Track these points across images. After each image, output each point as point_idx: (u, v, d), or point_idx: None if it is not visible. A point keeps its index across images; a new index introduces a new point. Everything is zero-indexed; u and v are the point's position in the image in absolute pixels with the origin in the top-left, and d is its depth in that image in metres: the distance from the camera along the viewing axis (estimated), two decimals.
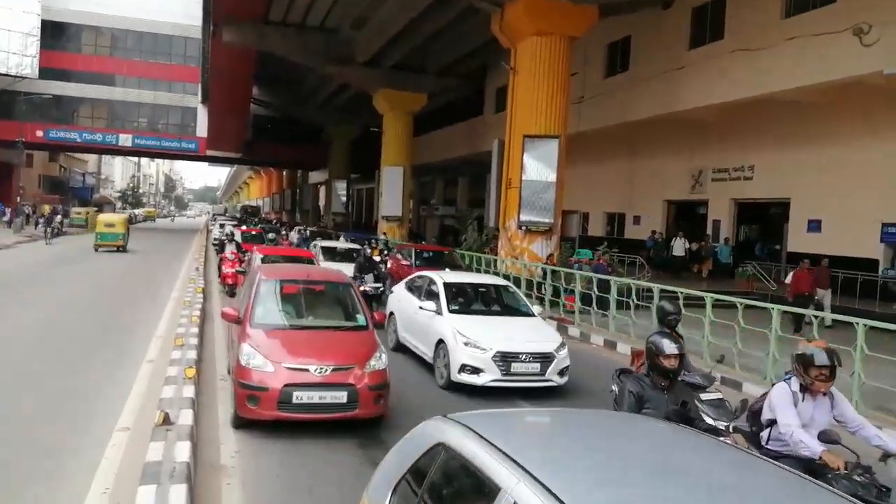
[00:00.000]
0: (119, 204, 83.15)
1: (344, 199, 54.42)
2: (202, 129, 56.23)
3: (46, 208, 43.13)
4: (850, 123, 19.19)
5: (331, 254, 18.67)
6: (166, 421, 5.96)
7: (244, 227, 30.76)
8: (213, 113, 51.01)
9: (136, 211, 78.49)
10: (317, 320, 8.04)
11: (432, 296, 10.30)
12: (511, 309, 10.55)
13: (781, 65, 17.83)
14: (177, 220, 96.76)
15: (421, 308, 10.18)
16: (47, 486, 5.29)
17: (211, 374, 8.92)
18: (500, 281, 12.06)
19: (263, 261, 12.72)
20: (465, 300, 10.50)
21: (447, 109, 39.83)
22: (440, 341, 9.36)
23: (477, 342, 8.88)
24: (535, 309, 10.65)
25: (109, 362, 9.30)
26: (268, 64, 40.87)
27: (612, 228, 30.96)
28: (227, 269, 16.49)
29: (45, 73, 50.29)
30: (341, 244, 22.38)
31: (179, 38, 57.73)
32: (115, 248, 28.39)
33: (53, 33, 53.10)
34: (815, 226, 20.70)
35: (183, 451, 5.38)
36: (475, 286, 11.39)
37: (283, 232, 32.78)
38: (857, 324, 8.71)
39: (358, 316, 7.98)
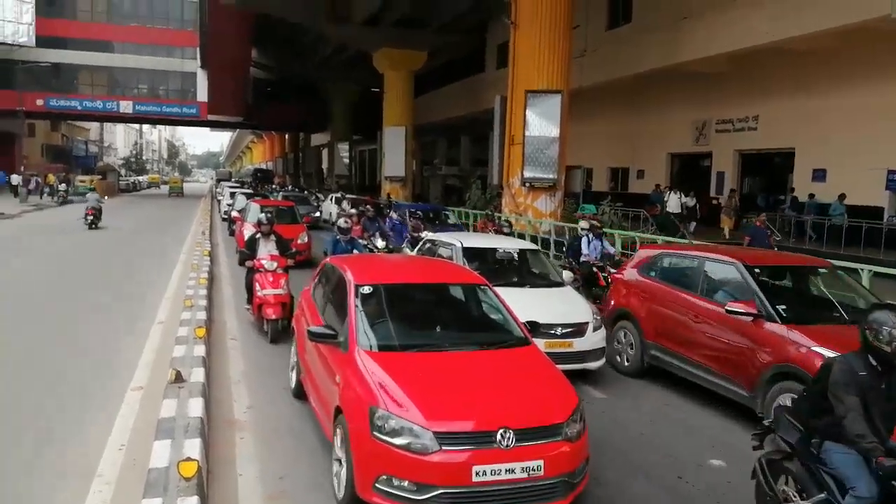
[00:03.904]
0: (123, 171, 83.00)
1: (347, 160, 54.30)
2: (202, 94, 55.87)
3: (51, 177, 43.20)
4: (856, 70, 18.92)
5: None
6: (179, 379, 6.09)
7: (260, 199, 21.64)
8: (213, 77, 50.58)
9: (141, 178, 78.38)
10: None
11: None
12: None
13: (786, 12, 17.51)
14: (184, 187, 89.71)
15: None
16: (63, 444, 5.43)
17: (220, 334, 9.07)
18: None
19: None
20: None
21: (448, 68, 39.38)
22: None
23: None
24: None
25: (121, 323, 9.45)
26: (266, 26, 40.40)
27: (616, 183, 30.86)
28: (266, 293, 8.98)
29: (42, 41, 49.89)
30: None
31: (176, 2, 57.09)
32: (178, 194, 50.93)
33: (49, 0, 52.47)
34: (820, 175, 20.59)
35: (196, 407, 5.51)
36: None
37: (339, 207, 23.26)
38: (862, 270, 8.80)
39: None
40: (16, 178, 40.88)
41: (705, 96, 24.44)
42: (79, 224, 23.28)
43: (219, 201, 34.93)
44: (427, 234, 15.05)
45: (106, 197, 35.51)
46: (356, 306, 5.29)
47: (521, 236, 17.61)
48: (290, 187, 47.72)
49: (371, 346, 4.96)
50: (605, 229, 13.42)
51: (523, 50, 19.82)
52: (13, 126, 48.46)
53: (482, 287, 6.10)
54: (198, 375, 6.33)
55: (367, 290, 5.52)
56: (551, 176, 19.83)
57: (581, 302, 8.38)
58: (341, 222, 10.58)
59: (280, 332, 8.79)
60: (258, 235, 9.78)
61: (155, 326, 9.11)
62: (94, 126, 78.21)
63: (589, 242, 11.61)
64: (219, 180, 66.75)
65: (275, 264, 9.25)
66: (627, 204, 23.57)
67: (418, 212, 17.76)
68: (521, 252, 9.59)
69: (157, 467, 4.37)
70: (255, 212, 15.72)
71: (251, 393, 6.84)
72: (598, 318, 7.98)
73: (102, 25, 56.55)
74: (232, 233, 20.30)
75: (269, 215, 9.87)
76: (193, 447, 4.71)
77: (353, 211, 14.04)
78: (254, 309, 9.28)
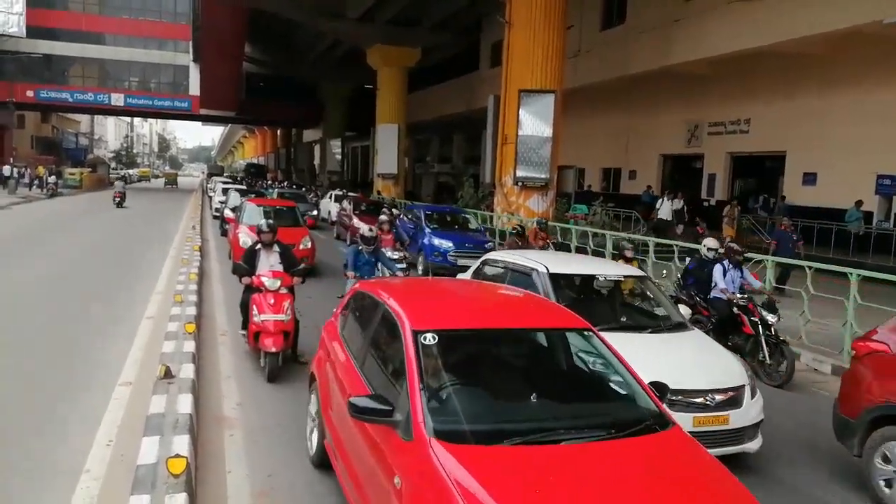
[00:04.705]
0: (113, 165, 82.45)
1: (339, 157, 54.15)
2: (195, 88, 55.55)
3: (41, 169, 42.90)
4: (847, 75, 19.04)
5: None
6: (168, 374, 6.07)
7: (255, 198, 19.11)
8: (206, 71, 50.33)
9: (131, 171, 77.93)
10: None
11: None
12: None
13: (780, 16, 17.59)
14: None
15: None
16: (51, 440, 5.38)
17: (210, 330, 9.03)
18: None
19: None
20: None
21: (442, 65, 39.34)
22: None
23: None
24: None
25: (110, 318, 9.39)
26: (260, 21, 40.22)
27: (608, 184, 30.94)
28: (264, 319, 7.26)
29: (33, 31, 49.46)
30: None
31: None
32: (172, 185, 59.20)
33: None
34: (811, 178, 20.72)
35: (185, 403, 5.49)
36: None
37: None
38: (851, 274, 8.87)
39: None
40: (8, 170, 40.60)
41: (698, 98, 24.54)
42: (110, 205, 30.49)
43: (210, 197, 33.35)
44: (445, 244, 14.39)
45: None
46: (418, 365, 3.64)
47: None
48: (285, 184, 46.14)
49: (449, 434, 3.30)
50: (596, 229, 13.30)
51: (517, 49, 19.83)
52: (3, 117, 48.22)
53: (586, 333, 4.35)
54: (187, 371, 6.31)
55: (430, 338, 3.85)
56: (544, 175, 19.86)
57: (725, 354, 6.29)
58: (365, 230, 9.10)
59: (280, 368, 7.25)
60: (258, 246, 7.94)
61: (144, 322, 9.05)
62: (84, 118, 77.59)
63: (725, 272, 8.82)
64: (210, 175, 65.50)
65: (277, 283, 7.46)
66: (619, 204, 23.65)
67: (434, 214, 16.97)
68: (624, 281, 7.40)
69: (146, 464, 4.35)
70: (250, 213, 14.41)
71: (241, 389, 6.81)
72: (751, 376, 5.95)
73: (94, 17, 56.12)
74: (224, 232, 19.21)
75: (270, 222, 8.08)
76: (182, 444, 4.69)
77: (384, 217, 12.31)
78: (249, 337, 7.53)
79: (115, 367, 7.11)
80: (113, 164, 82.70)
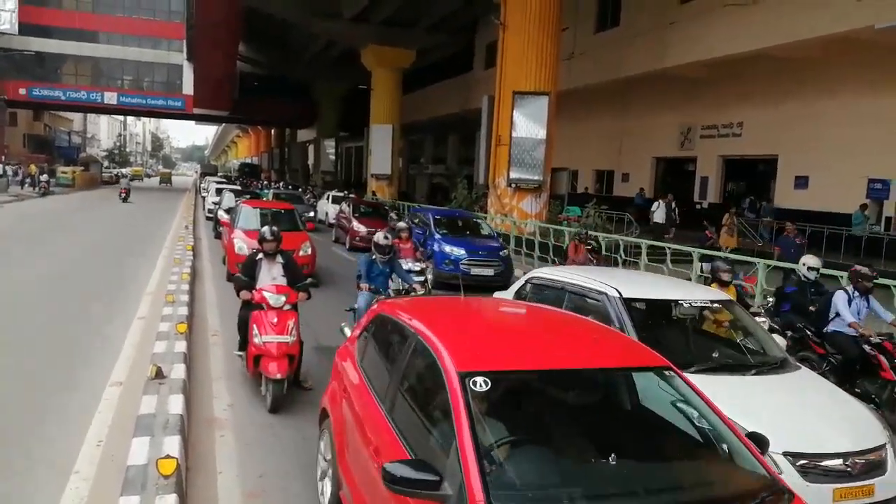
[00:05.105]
0: (106, 163, 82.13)
1: (333, 157, 54.19)
2: (188, 87, 55.44)
3: (33, 168, 42.74)
4: (840, 79, 19.15)
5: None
6: (159, 375, 6.04)
7: (251, 199, 18.10)
8: (200, 70, 50.19)
9: (124, 170, 77.61)
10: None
11: None
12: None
13: (774, 20, 17.68)
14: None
15: None
16: (41, 440, 5.36)
17: (202, 331, 9.00)
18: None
19: None
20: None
21: (436, 66, 39.38)
22: None
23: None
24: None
25: (101, 317, 9.35)
26: (254, 20, 40.14)
27: (602, 186, 31.01)
28: (267, 341, 6.35)
29: (26, 28, 49.24)
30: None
31: None
32: (167, 183, 64.44)
33: None
34: (802, 182, 20.81)
35: (176, 403, 5.46)
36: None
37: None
38: (841, 277, 8.89)
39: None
40: (0, 168, 40.51)
41: (691, 101, 24.64)
42: (116, 200, 35.02)
43: (203, 197, 33.13)
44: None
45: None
46: (469, 420, 2.88)
47: (506, 238, 17.60)
48: (280, 184, 45.63)
49: None
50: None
51: (512, 51, 19.85)
52: None
53: (667, 373, 3.51)
54: (178, 372, 6.28)
55: (482, 383, 3.06)
56: (537, 177, 19.88)
57: (856, 404, 5.07)
58: (380, 237, 8.18)
59: (285, 397, 6.32)
60: (259, 255, 7.02)
61: (136, 322, 9.02)
62: (77, 117, 77.23)
63: (850, 300, 7.09)
64: (203, 174, 65.84)
65: (282, 299, 6.52)
66: (612, 207, 23.70)
67: (443, 218, 15.75)
68: (712, 305, 6.03)
69: (136, 464, 4.33)
70: (246, 216, 13.55)
71: (231, 391, 6.79)
72: (890, 434, 4.73)
73: (88, 15, 55.92)
74: (218, 235, 18.03)
75: (274, 229, 7.03)
76: (173, 444, 4.67)
77: (403, 224, 11.14)
78: (248, 361, 6.56)
79: (106, 366, 7.08)
80: (106, 163, 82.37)
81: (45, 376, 6.92)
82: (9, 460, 5.00)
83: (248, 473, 4.98)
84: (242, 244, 12.04)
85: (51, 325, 9.00)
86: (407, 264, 9.40)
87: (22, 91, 50.16)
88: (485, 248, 14.18)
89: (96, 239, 18.97)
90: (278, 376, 6.13)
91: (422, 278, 9.28)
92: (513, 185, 20.01)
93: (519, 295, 7.02)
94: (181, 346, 7.16)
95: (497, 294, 8.00)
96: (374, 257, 8.10)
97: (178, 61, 56.37)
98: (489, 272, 13.46)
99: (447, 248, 13.86)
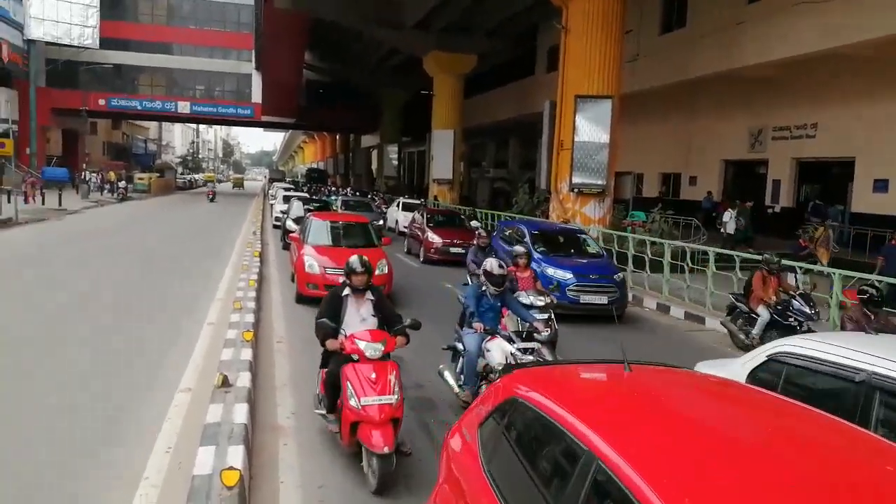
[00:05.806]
0: (179, 170, 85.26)
1: (395, 162, 54.69)
2: (257, 96, 57.12)
3: (112, 174, 44.85)
4: None
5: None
6: (225, 383, 6.22)
7: (320, 211, 17.38)
8: (267, 79, 51.63)
9: (196, 176, 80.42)
10: None
11: None
12: None
13: (851, 18, 16.94)
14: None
15: None
16: (111, 446, 5.56)
17: (267, 338, 9.21)
18: None
19: None
20: None
21: (498, 70, 39.29)
22: None
23: None
24: None
25: (173, 323, 9.68)
26: (319, 29, 40.96)
27: (668, 189, 30.34)
28: (367, 403, 4.99)
29: (106, 43, 51.66)
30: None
31: (233, 5, 58.53)
32: (240, 187, 73.21)
33: (112, 4, 54.44)
34: (881, 185, 19.88)
35: (241, 412, 5.61)
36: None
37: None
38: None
39: None
40: (86, 175, 42.85)
41: (762, 102, 23.86)
42: (204, 200, 42.62)
43: (271, 204, 32.44)
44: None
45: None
46: None
47: None
48: (348, 190, 44.48)
49: None
50: (654, 238, 12.33)
51: (574, 55, 19.63)
52: (77, 124, 50.59)
53: None
54: (244, 380, 6.45)
55: None
56: (600, 182, 19.59)
57: None
58: (493, 265, 6.75)
59: (394, 473, 4.96)
60: (346, 291, 5.75)
61: (206, 327, 9.30)
62: (153, 125, 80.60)
63: None
64: (272, 180, 68.14)
65: (380, 349, 5.24)
66: (678, 211, 23.14)
67: (542, 232, 13.63)
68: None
69: (201, 474, 4.47)
70: (317, 230, 12.56)
71: (295, 398, 6.92)
72: None
73: (162, 28, 58.31)
74: (286, 246, 17.07)
75: (364, 259, 5.75)
76: (237, 454, 4.80)
77: (521, 249, 8.81)
78: (343, 428, 5.17)
79: (178, 370, 7.35)
80: (179, 169, 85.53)
81: (122, 377, 7.22)
82: (84, 465, 5.21)
83: (308, 483, 5.07)
84: (313, 261, 11.43)
85: (126, 324, 9.36)
86: (527, 298, 7.90)
87: (101, 102, 52.62)
88: (596, 270, 11.92)
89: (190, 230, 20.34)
90: (386, 450, 4.78)
91: (545, 316, 7.62)
92: (575, 190, 19.78)
93: (756, 378, 4.65)
94: (247, 353, 7.35)
95: (702, 367, 5.37)
96: (483, 289, 6.82)
97: (248, 71, 58.15)
98: (602, 300, 11.39)
99: (550, 271, 11.61)
